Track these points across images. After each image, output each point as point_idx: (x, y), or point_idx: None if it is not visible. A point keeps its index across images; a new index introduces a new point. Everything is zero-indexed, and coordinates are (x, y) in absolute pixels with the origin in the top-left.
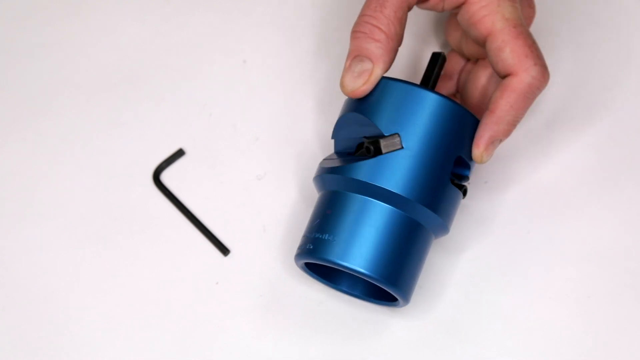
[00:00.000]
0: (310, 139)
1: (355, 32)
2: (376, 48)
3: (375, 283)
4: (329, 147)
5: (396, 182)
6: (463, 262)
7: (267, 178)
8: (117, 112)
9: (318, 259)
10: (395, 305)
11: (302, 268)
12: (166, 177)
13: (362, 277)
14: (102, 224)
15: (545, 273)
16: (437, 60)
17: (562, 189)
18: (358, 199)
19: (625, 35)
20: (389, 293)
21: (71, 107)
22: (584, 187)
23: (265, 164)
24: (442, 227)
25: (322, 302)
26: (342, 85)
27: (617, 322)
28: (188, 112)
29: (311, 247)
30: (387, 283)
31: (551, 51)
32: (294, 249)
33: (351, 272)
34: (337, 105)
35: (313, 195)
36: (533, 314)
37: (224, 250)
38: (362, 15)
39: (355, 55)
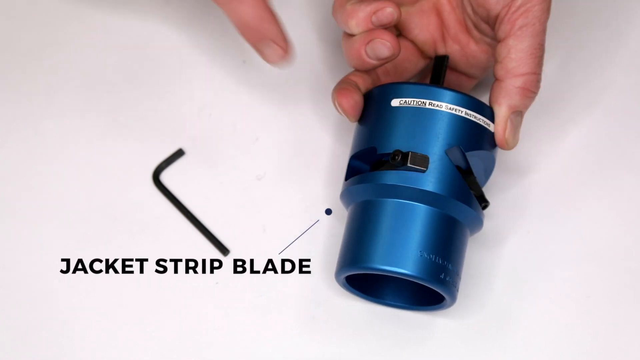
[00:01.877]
0: (310, 138)
1: (530, 92)
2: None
3: (423, 284)
4: (329, 147)
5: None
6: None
7: (267, 178)
8: (117, 112)
9: (361, 268)
10: (440, 308)
11: (343, 285)
12: (166, 177)
13: (409, 279)
14: (102, 224)
15: (545, 273)
16: (444, 63)
17: (562, 189)
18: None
19: (625, 35)
20: (433, 297)
21: (71, 107)
22: (584, 187)
23: (265, 164)
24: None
25: (321, 302)
26: (507, 144)
27: (617, 322)
28: (188, 112)
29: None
30: (436, 282)
31: (552, 51)
32: (293, 249)
33: (397, 276)
34: None
35: (312, 195)
36: (532, 314)
37: (224, 250)
38: (536, 73)
39: (517, 111)
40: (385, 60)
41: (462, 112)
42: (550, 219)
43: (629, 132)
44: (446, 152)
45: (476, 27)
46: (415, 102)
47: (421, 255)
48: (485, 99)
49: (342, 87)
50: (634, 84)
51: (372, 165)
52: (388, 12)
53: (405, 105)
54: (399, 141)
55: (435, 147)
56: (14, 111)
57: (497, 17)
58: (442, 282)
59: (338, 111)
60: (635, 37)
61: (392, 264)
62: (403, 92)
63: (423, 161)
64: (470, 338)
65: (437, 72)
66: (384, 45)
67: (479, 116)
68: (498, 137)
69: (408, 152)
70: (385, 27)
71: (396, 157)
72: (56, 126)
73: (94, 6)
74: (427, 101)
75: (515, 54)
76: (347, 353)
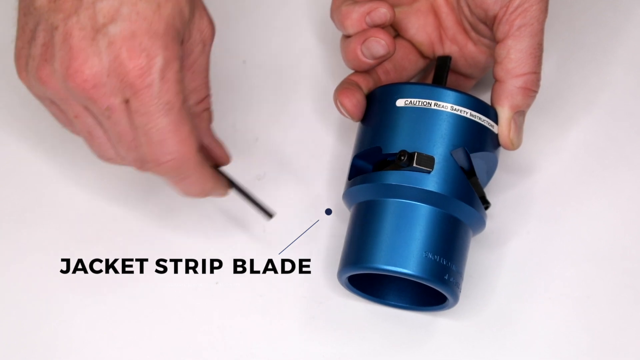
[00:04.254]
0: (310, 138)
1: (531, 91)
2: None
3: (428, 285)
4: (328, 147)
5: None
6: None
7: (267, 178)
8: None
9: (365, 268)
10: (441, 309)
11: (345, 285)
12: None
13: (413, 279)
14: (102, 224)
15: (546, 273)
16: (447, 64)
17: (562, 189)
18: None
19: (625, 35)
20: (434, 297)
21: None
22: (584, 187)
23: (265, 164)
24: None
25: (321, 302)
26: (511, 144)
27: (617, 322)
28: None
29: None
30: (440, 283)
31: (551, 51)
32: (293, 249)
33: (402, 277)
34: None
35: (312, 195)
36: (533, 314)
37: (268, 214)
38: (536, 73)
39: (519, 111)
40: (382, 59)
41: (467, 113)
42: (550, 219)
43: (629, 131)
44: (451, 154)
45: (474, 28)
46: (420, 102)
47: (426, 256)
48: (483, 99)
49: (344, 87)
50: (633, 83)
51: (374, 165)
52: (381, 13)
53: (410, 105)
54: (404, 141)
55: (440, 147)
56: (13, 111)
57: (495, 17)
58: (446, 283)
59: (340, 111)
60: (634, 36)
61: (397, 264)
62: (409, 93)
63: (429, 162)
64: (471, 338)
65: (440, 72)
66: (378, 44)
67: (483, 117)
68: (503, 138)
69: (414, 153)
70: (380, 27)
71: (402, 158)
72: (56, 126)
73: None
74: (433, 102)
75: (514, 55)
76: (348, 353)
